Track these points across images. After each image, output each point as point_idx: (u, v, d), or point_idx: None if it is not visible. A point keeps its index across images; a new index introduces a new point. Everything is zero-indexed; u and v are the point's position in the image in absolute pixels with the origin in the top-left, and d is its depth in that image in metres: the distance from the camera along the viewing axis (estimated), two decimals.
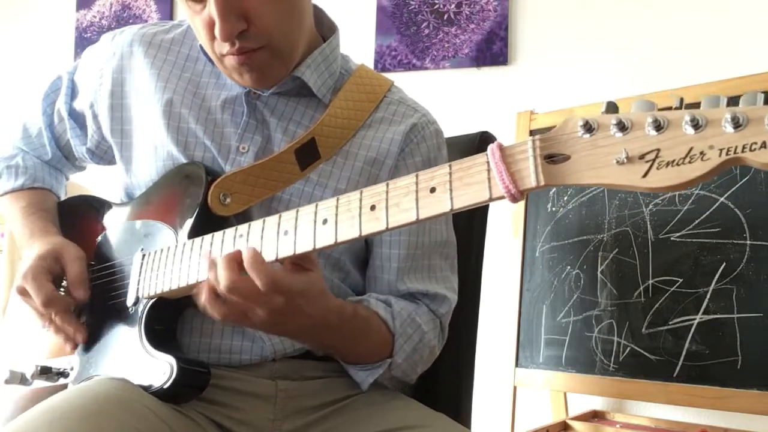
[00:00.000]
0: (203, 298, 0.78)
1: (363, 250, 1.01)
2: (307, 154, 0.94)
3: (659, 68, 1.82)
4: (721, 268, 1.45)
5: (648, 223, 1.58)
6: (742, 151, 0.52)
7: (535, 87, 2.02)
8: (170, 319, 0.91)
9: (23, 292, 0.94)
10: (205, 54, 1.00)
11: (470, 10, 2.13)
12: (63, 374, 0.96)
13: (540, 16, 2.06)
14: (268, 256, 0.77)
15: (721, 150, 0.53)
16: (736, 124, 0.53)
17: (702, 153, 0.54)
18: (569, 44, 2.00)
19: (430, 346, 0.98)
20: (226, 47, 0.88)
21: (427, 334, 0.97)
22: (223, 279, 0.75)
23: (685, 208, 1.53)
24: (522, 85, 2.05)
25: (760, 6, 1.73)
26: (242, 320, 0.78)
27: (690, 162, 0.54)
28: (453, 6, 2.16)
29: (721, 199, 1.48)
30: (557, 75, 2.00)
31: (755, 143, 0.52)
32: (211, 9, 0.84)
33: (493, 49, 2.10)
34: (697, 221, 1.51)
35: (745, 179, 1.45)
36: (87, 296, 0.94)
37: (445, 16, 2.16)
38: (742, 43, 1.74)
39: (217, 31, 0.84)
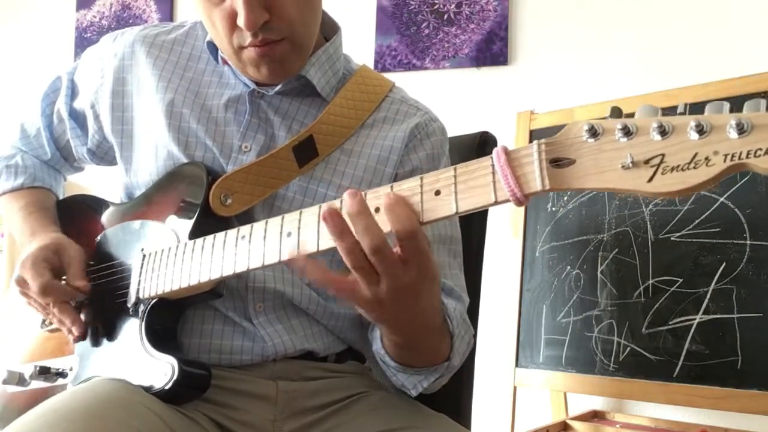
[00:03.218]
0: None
1: None
2: (306, 152, 0.95)
3: (659, 68, 1.82)
4: (721, 268, 1.45)
5: (648, 223, 1.58)
6: (747, 157, 0.52)
7: (535, 87, 2.02)
8: (171, 320, 0.90)
9: (21, 283, 0.93)
10: (212, 52, 1.00)
11: (470, 10, 2.13)
12: (62, 374, 0.95)
13: (540, 16, 2.06)
14: (272, 258, 0.77)
15: (725, 155, 0.53)
16: (741, 130, 0.53)
17: (707, 158, 0.54)
18: (569, 44, 2.00)
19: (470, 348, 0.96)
20: (247, 38, 0.88)
21: (470, 334, 0.95)
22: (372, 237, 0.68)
23: (685, 208, 1.53)
24: (522, 85, 2.05)
25: (760, 6, 1.73)
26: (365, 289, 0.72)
27: (695, 167, 0.54)
28: (453, 6, 2.16)
29: (721, 199, 1.48)
30: (557, 75, 2.00)
31: (760, 149, 0.52)
32: None
33: (493, 49, 2.10)
34: (697, 221, 1.51)
35: (745, 179, 1.45)
36: (88, 288, 0.93)
37: (445, 16, 2.16)
38: (742, 43, 1.74)
39: (242, 21, 0.85)
